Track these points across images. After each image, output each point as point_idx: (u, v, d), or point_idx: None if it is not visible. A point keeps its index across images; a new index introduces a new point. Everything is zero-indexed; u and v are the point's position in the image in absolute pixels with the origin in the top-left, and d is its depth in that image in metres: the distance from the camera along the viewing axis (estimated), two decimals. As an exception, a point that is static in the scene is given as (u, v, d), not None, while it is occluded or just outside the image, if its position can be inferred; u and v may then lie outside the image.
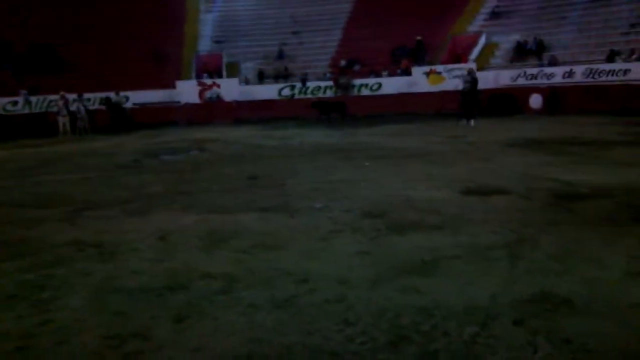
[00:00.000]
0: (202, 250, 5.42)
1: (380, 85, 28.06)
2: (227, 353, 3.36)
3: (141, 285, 4.50)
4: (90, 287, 4.50)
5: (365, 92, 28.08)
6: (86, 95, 24.47)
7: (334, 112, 23.38)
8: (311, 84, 28.61)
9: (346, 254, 5.08)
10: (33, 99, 25.82)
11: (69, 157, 14.48)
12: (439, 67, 27.41)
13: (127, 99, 27.02)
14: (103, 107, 23.89)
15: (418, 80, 27.29)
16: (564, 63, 24.66)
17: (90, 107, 23.55)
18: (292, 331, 3.58)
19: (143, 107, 26.82)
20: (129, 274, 4.78)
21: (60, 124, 22.31)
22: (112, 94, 22.71)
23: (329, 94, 28.17)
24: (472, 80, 18.52)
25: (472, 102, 18.14)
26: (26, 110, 25.58)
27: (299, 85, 28.55)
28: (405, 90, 26.78)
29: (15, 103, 25.58)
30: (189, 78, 29.63)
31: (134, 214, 7.13)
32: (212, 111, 26.79)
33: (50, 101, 25.90)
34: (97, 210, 7.45)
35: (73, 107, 22.78)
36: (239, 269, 4.79)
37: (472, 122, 17.72)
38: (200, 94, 28.43)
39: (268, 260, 5.00)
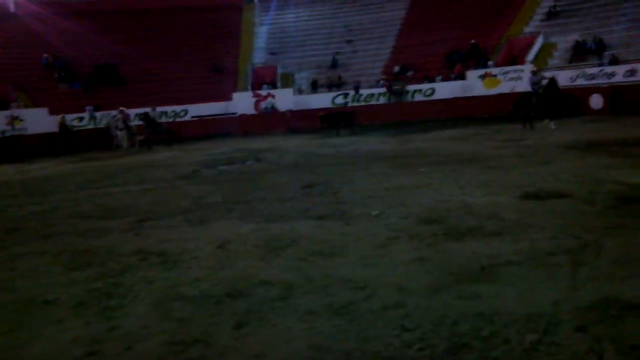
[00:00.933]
0: (260, 258, 5.52)
1: (433, 90, 27.81)
2: (287, 359, 3.42)
3: (202, 293, 4.63)
4: (154, 295, 4.67)
5: (418, 97, 27.91)
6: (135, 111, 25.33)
7: (342, 122, 22.57)
8: (364, 92, 28.66)
9: (404, 261, 5.06)
10: (97, 114, 26.95)
11: (131, 169, 15.00)
12: (495, 70, 26.93)
13: (186, 112, 27.88)
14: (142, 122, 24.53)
15: (473, 84, 26.90)
16: (625, 62, 23.73)
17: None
18: (350, 337, 3.60)
19: (201, 119, 27.56)
20: (190, 282, 4.93)
21: (119, 138, 23.15)
22: (149, 109, 23.37)
23: (383, 100, 28.16)
24: (549, 81, 17.86)
25: (550, 103, 17.31)
26: (91, 126, 26.72)
27: (352, 93, 28.64)
28: (459, 94, 26.48)
29: (81, 119, 26.75)
30: (244, 90, 30.22)
31: (195, 224, 7.34)
32: (267, 121, 27.20)
33: (113, 117, 26.98)
34: (160, 220, 7.71)
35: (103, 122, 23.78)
36: (297, 276, 4.85)
37: (552, 123, 16.76)
38: (256, 104, 28.92)
39: (325, 268, 5.04)
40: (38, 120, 25.32)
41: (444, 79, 28.37)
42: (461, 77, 27.78)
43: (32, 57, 30.91)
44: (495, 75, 26.64)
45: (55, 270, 5.65)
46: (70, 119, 26.05)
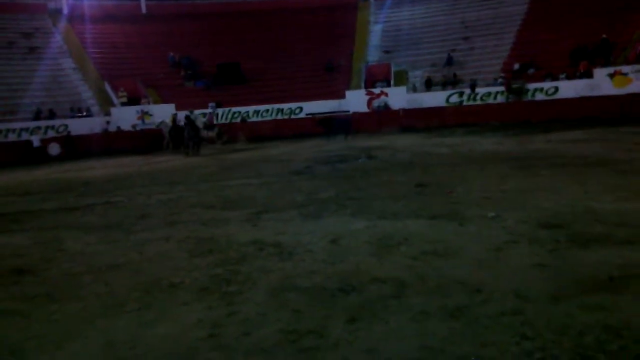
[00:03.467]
0: (372, 255, 5.52)
1: (557, 89, 26.33)
2: (398, 358, 3.39)
3: (316, 285, 4.72)
4: (271, 284, 4.83)
5: (540, 96, 26.55)
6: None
7: (339, 128, 23.07)
8: (481, 90, 27.74)
9: (523, 266, 4.85)
10: (219, 110, 28.27)
11: (248, 163, 15.62)
12: (625, 68, 24.99)
13: (301, 109, 28.56)
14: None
15: (600, 83, 25.12)
16: None
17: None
18: (465, 341, 3.51)
19: (315, 117, 28.09)
20: (304, 274, 5.04)
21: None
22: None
23: (500, 99, 27.11)
24: None
25: None
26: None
27: (468, 91, 27.83)
28: (585, 93, 24.84)
29: (204, 115, 28.13)
30: (357, 88, 30.38)
31: (308, 218, 7.50)
32: (379, 119, 27.16)
33: (234, 113, 28.26)
34: (275, 213, 7.95)
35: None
36: (410, 275, 4.80)
37: None
38: (368, 102, 28.97)
39: (439, 268, 4.95)
40: (166, 116, 26.95)
41: (569, 77, 26.77)
42: (588, 75, 26.06)
43: (160, 56, 33.10)
44: (626, 74, 24.73)
45: (180, 256, 6.01)
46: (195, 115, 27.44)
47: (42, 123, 26.05)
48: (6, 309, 4.69)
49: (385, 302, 4.24)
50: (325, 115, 26.09)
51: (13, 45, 31.50)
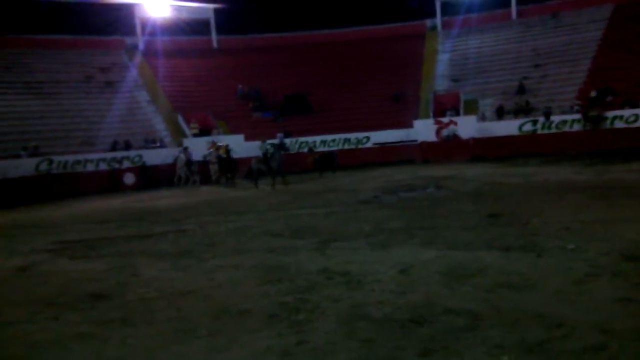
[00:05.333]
0: (443, 286, 5.36)
1: (637, 117, 25.14)
2: (475, 393, 3.24)
3: (386, 316, 4.62)
4: (340, 313, 4.76)
5: (619, 124, 25.41)
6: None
7: (326, 164, 23.31)
8: (556, 118, 26.85)
9: (606, 300, 4.57)
10: (287, 140, 28.67)
11: (316, 193, 15.67)
12: None
13: (368, 139, 28.59)
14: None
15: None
16: None
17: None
18: (546, 378, 3.31)
19: (382, 147, 28.03)
20: (374, 304, 4.94)
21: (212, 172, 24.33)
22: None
23: (577, 127, 26.12)
24: None
25: None
26: (281, 152, 28.40)
27: (542, 119, 26.99)
28: (669, 121, 23.59)
29: (273, 145, 28.55)
30: (426, 117, 30.13)
31: (377, 247, 7.40)
32: (448, 149, 26.76)
33: (302, 143, 28.59)
34: (343, 242, 7.90)
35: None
36: (484, 307, 4.62)
37: None
38: (437, 132, 28.61)
39: (515, 301, 4.74)
40: (235, 146, 27.55)
41: (650, 104, 25.52)
42: (671, 101, 24.77)
43: (229, 88, 34.12)
44: None
45: (249, 283, 6.05)
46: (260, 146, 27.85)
47: (119, 154, 27.19)
48: (84, 332, 4.83)
49: (459, 334, 4.09)
50: (319, 152, 26.47)
51: (91, 79, 33.29)
